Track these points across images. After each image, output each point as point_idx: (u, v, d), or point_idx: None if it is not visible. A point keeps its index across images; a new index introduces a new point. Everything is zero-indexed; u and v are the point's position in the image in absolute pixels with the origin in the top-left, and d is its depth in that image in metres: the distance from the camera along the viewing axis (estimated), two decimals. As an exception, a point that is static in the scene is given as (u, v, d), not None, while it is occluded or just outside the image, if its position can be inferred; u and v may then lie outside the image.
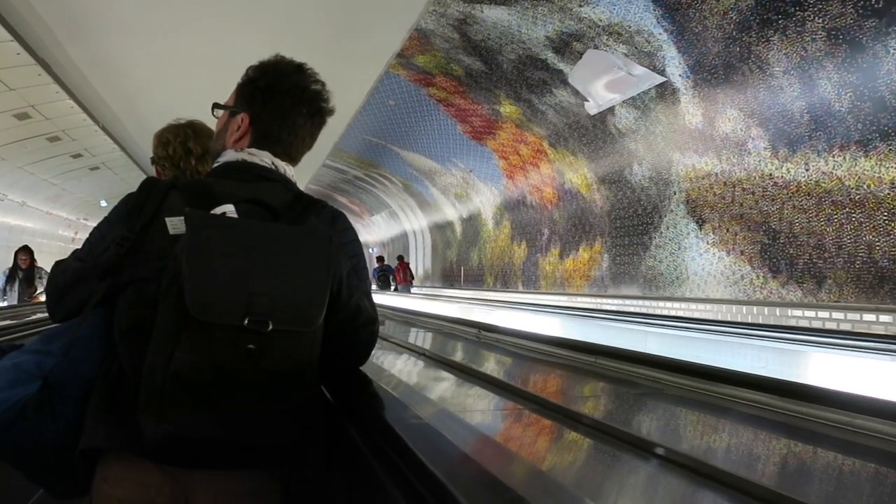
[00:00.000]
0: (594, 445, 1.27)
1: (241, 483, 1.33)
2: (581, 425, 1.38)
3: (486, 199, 15.55)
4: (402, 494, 1.06)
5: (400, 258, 20.74)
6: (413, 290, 19.78)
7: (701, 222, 8.53)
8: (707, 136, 8.08)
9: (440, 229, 19.48)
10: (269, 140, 1.54)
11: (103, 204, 23.61)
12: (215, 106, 1.61)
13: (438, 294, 16.01)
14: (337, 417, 1.59)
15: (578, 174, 11.24)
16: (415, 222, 21.54)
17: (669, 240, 9.16)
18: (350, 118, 14.93)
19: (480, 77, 10.81)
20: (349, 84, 13.02)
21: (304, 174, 22.37)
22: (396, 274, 18.93)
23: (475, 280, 16.78)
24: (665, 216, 9.24)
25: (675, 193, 9.01)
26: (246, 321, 1.16)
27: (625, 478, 1.12)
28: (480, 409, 1.69)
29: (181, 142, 2.15)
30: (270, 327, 1.18)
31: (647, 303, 9.24)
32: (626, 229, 10.17)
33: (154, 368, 1.20)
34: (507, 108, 11.39)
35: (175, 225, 1.32)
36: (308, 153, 1.65)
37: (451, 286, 18.22)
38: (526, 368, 2.74)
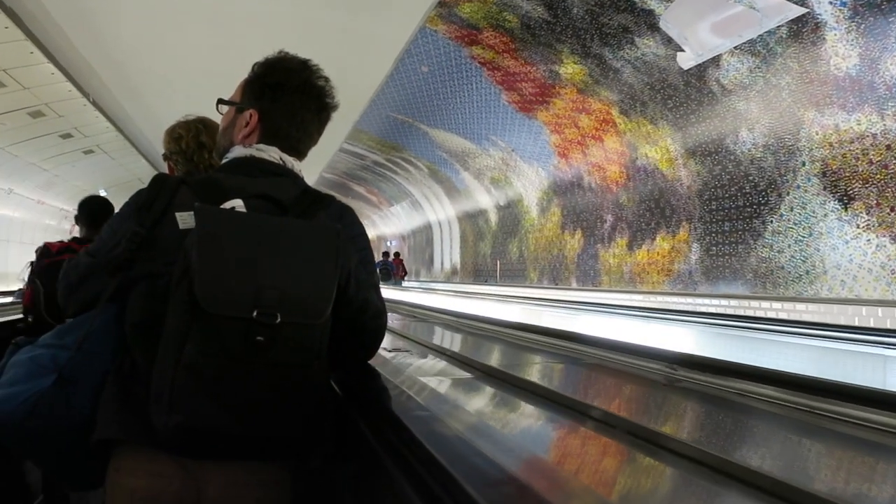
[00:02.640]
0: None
1: (252, 473, 1.33)
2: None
3: (529, 183, 13.59)
4: (409, 484, 1.05)
5: (396, 254, 21.72)
6: (442, 286, 17.93)
7: (846, 200, 6.56)
8: (864, 84, 6.11)
9: (471, 219, 17.53)
10: (278, 136, 1.54)
11: (102, 193, 21.83)
12: (220, 102, 1.60)
13: (473, 291, 14.08)
14: (345, 410, 1.57)
15: (658, 147, 9.28)
16: (441, 212, 19.60)
17: (795, 224, 7.20)
18: (374, 91, 13.01)
19: (540, 28, 8.86)
20: (376, 46, 11.12)
21: (319, 161, 20.53)
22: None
23: (514, 275, 14.83)
24: (787, 194, 7.28)
25: (803, 164, 7.04)
26: (255, 313, 1.18)
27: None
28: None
29: (193, 136, 2.18)
30: (279, 319, 1.19)
31: (762, 304, 7.28)
32: (727, 212, 8.21)
33: (165, 360, 1.21)
34: (570, 69, 9.44)
35: (185, 220, 1.33)
36: (324, 137, 1.64)
37: (485, 282, 16.29)
38: None
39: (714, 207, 8.42)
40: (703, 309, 8.11)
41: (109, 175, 19.70)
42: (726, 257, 8.22)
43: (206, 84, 13.30)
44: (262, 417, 1.25)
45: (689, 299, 8.43)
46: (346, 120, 15.48)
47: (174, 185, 1.41)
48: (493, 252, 16.22)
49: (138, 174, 21.01)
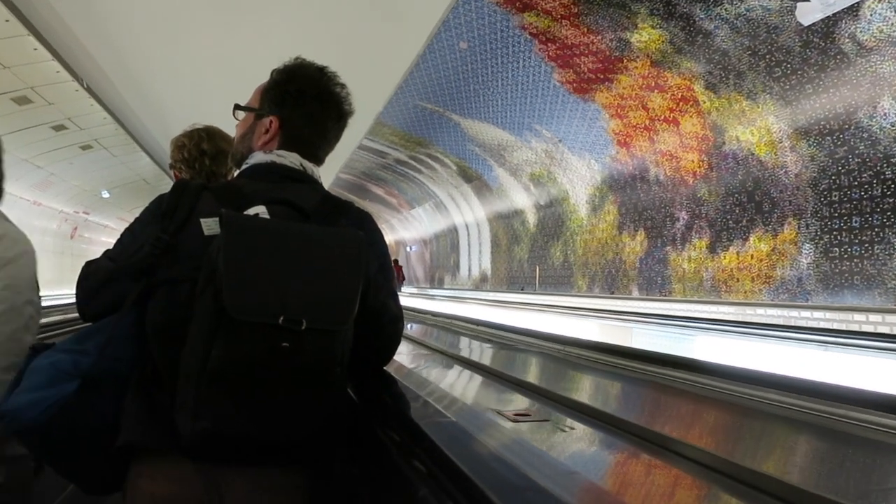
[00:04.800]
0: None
1: (271, 478, 1.35)
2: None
3: (578, 178, 12.00)
4: (426, 488, 1.06)
5: (395, 261, 21.47)
6: (471, 294, 16.43)
7: None
8: None
9: (504, 220, 15.95)
10: (299, 143, 1.55)
11: (105, 195, 20.43)
12: (237, 107, 1.61)
13: (517, 301, 12.49)
14: (362, 416, 1.59)
15: (754, 128, 7.68)
16: (468, 214, 18.05)
17: (966, 217, 5.59)
18: (402, 75, 11.49)
19: (614, -17, 7.31)
20: (408, 19, 9.62)
21: (336, 160, 19.01)
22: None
23: (558, 283, 13.23)
24: (954, 178, 5.67)
25: (979, 139, 5.44)
26: (280, 320, 1.18)
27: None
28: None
29: (195, 144, 2.23)
30: (304, 326, 1.20)
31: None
32: (856, 205, 6.60)
33: (190, 366, 1.22)
34: (644, 35, 7.87)
35: (210, 226, 1.35)
36: (343, 133, 1.66)
37: (521, 290, 14.70)
38: None
39: (836, 199, 6.81)
40: (823, 325, 6.51)
41: (112, 174, 18.26)
42: (855, 261, 6.60)
43: (214, 72, 11.80)
44: (286, 423, 1.25)
45: (805, 313, 6.81)
46: (369, 112, 13.97)
47: (197, 190, 1.42)
48: (532, 257, 14.62)
49: (143, 174, 19.57)
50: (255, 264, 1.22)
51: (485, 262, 17.61)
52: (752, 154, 7.83)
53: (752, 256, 7.94)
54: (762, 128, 7.55)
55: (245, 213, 1.34)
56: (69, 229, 21.07)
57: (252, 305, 1.19)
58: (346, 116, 1.61)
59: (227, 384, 1.19)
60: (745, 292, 8.00)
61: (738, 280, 8.15)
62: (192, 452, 1.26)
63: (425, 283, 23.54)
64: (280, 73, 1.55)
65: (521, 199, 14.55)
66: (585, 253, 12.15)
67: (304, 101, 1.53)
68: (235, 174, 1.63)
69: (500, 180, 14.88)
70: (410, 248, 26.05)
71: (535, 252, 14.40)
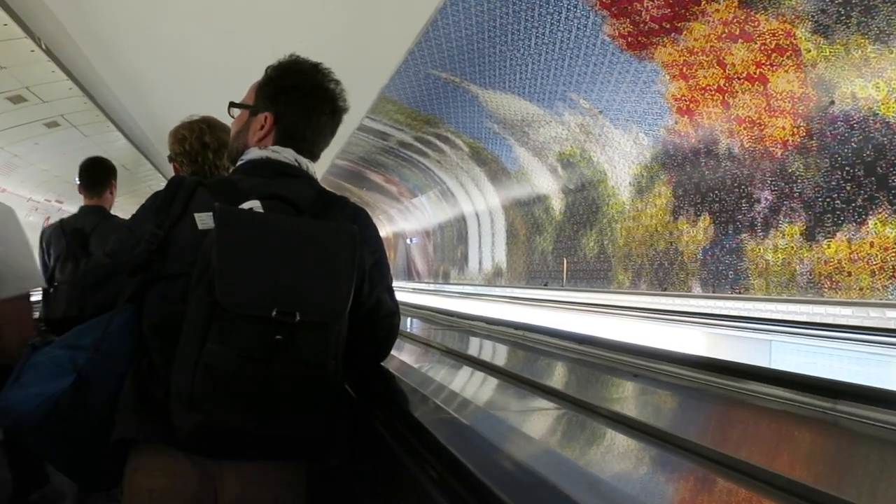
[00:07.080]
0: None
1: (268, 473, 1.35)
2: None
3: (621, 155, 10.33)
4: (427, 480, 1.05)
5: None
6: (487, 291, 14.84)
7: None
8: None
9: (524, 207, 14.27)
10: (293, 139, 1.58)
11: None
12: (232, 105, 1.64)
13: (573, 301, 10.85)
14: (360, 411, 1.58)
15: (881, 80, 6.04)
16: (480, 202, 16.37)
17: None
18: (414, 38, 9.76)
19: None
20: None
21: (333, 144, 17.22)
22: None
23: (592, 277, 11.57)
24: None
25: None
26: (274, 313, 1.19)
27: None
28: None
29: (197, 137, 2.18)
30: (298, 318, 1.21)
31: None
32: None
33: (185, 360, 1.22)
34: (737, -35, 6.21)
35: (204, 220, 1.37)
36: (337, 129, 1.68)
37: (545, 286, 13.05)
38: None
39: None
40: None
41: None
42: None
43: (200, 42, 9.95)
44: (280, 417, 1.25)
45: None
46: (372, 87, 12.24)
47: (191, 186, 1.44)
48: (557, 248, 12.95)
49: (120, 159, 17.70)
50: (248, 257, 1.24)
51: (499, 255, 15.93)
52: (875, 114, 6.19)
53: (871, 245, 6.31)
54: (892, 79, 5.91)
55: (240, 207, 1.33)
56: (41, 219, 19.26)
57: (245, 298, 1.20)
58: (340, 112, 1.64)
59: (221, 377, 1.18)
60: (861, 289, 6.37)
61: (849, 274, 6.52)
62: (188, 446, 1.27)
63: (428, 278, 21.88)
64: (274, 70, 1.60)
65: (546, 182, 12.87)
66: (628, 243, 10.49)
67: (298, 97, 1.56)
68: (231, 170, 1.61)
69: (521, 162, 13.20)
70: (411, 241, 24.37)
71: (562, 243, 12.73)
